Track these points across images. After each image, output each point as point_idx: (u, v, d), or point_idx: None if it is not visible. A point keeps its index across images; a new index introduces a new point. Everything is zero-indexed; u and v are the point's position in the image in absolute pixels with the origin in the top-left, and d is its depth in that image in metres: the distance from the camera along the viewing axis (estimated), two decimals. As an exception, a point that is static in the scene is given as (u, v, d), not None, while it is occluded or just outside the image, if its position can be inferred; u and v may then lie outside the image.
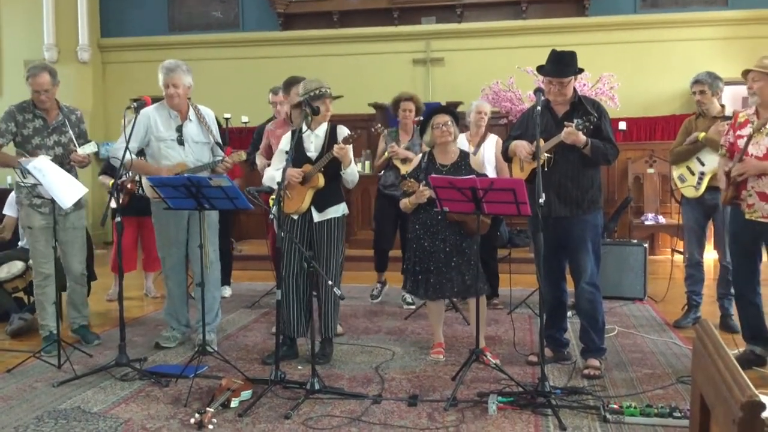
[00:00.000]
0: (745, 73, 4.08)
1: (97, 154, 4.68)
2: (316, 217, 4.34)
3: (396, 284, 6.21)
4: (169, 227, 4.66)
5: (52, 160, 4.44)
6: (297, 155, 4.27)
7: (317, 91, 4.27)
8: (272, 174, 4.40)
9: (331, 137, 4.36)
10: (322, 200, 4.33)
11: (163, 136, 4.57)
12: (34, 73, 4.53)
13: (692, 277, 5.20)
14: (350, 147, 4.28)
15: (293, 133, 4.35)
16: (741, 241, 4.13)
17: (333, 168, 4.29)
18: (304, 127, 4.30)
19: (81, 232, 4.84)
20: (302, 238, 4.36)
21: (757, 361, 4.11)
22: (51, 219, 4.43)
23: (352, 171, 4.36)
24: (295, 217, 4.36)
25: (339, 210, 4.42)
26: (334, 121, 4.49)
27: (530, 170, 4.06)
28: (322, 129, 4.40)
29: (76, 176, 4.66)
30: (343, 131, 4.40)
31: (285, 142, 4.43)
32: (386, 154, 5.67)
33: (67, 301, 4.94)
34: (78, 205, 4.66)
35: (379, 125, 6.19)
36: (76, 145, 4.66)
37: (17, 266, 5.41)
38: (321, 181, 4.27)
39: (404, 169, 5.60)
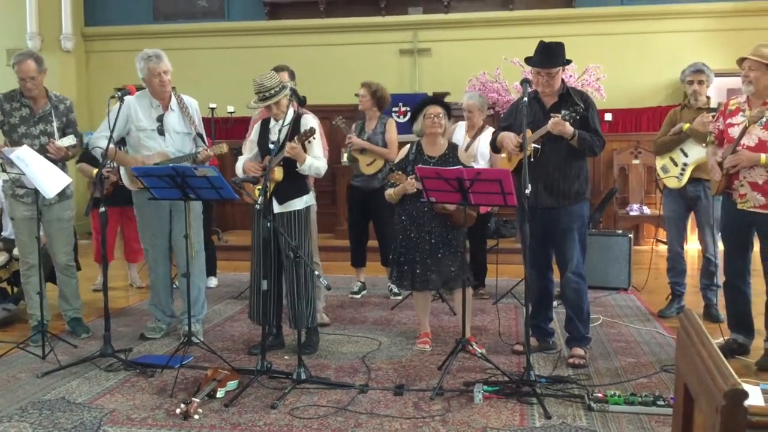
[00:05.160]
0: (740, 61, 4.00)
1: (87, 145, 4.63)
2: (277, 208, 4.26)
3: (378, 274, 6.23)
4: (151, 218, 4.62)
5: (38, 150, 4.38)
6: (261, 145, 4.29)
7: (269, 92, 4.13)
8: (239, 165, 4.40)
9: (294, 129, 4.21)
10: (282, 192, 4.25)
11: (144, 126, 4.52)
12: (19, 60, 4.49)
13: (674, 269, 5.23)
14: (317, 141, 4.20)
15: (263, 123, 4.34)
16: (732, 231, 4.13)
17: (293, 162, 4.18)
18: (272, 120, 4.27)
19: (66, 223, 4.77)
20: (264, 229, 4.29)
21: (739, 350, 4.15)
22: (34, 209, 4.39)
23: (309, 166, 4.19)
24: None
25: (302, 202, 4.34)
26: (314, 111, 4.43)
27: (518, 161, 4.07)
28: (288, 120, 4.26)
29: (63, 168, 4.61)
30: (307, 122, 4.28)
31: (254, 132, 4.43)
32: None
33: (58, 292, 4.91)
34: (63, 196, 4.62)
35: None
36: (56, 135, 4.60)
37: (0, 257, 5.35)
38: (279, 174, 4.16)
39: (362, 160, 5.59)
